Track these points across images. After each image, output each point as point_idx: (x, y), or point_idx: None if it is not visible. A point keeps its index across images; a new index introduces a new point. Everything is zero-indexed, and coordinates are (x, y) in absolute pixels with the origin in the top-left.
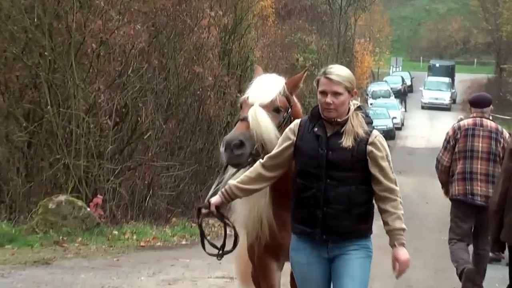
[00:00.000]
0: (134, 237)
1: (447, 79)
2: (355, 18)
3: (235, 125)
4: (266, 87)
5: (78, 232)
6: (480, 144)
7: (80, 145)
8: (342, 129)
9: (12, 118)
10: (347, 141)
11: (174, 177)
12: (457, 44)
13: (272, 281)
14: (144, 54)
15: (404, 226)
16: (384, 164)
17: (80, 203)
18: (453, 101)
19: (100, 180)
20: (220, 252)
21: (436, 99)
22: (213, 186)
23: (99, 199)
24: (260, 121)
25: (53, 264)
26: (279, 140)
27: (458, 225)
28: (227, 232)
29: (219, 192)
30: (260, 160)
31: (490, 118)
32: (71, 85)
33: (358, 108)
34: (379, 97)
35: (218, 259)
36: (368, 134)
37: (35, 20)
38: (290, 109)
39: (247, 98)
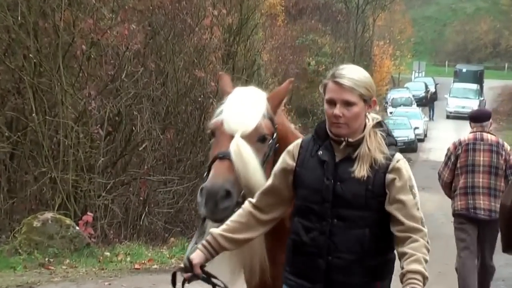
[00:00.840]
0: (128, 259)
1: (475, 86)
2: (373, 18)
3: (209, 162)
4: (246, 109)
5: (66, 253)
6: (482, 158)
7: (68, 157)
8: (356, 153)
9: None
10: (361, 170)
11: (172, 193)
12: (486, 47)
13: None
14: (140, 56)
15: (422, 269)
16: (407, 197)
17: (68, 221)
18: (483, 105)
19: (90, 196)
20: None
21: (463, 107)
22: (193, 240)
23: (89, 216)
24: (247, 161)
25: None
26: (274, 168)
27: (462, 239)
28: None
29: (200, 246)
30: (250, 199)
31: (491, 131)
32: (59, 90)
33: (378, 124)
34: (400, 105)
35: None
36: (390, 159)
37: (19, 18)
38: (275, 134)
39: (222, 123)
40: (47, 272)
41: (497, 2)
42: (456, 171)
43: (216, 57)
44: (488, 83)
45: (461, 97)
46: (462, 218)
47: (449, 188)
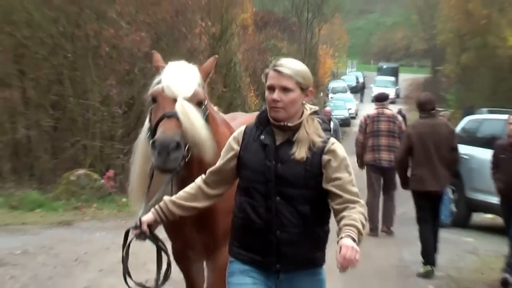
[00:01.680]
0: None
1: (392, 78)
2: (318, 28)
3: (154, 123)
4: (185, 77)
5: (93, 199)
6: (383, 126)
7: (95, 129)
8: (295, 137)
9: (42, 107)
10: (300, 152)
11: None
12: (400, 50)
13: (192, 275)
14: (148, 56)
15: (357, 224)
16: (343, 175)
17: (95, 176)
18: (397, 96)
19: (112, 157)
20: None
21: (383, 92)
22: (143, 204)
23: (111, 173)
24: (193, 118)
25: (74, 225)
26: (222, 152)
27: (371, 183)
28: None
29: (152, 209)
30: (203, 175)
31: (389, 108)
32: (89, 81)
33: (315, 113)
34: (338, 92)
35: None
36: (326, 142)
37: (61, 28)
38: (206, 101)
39: (163, 89)
40: (80, 213)
41: (408, 18)
42: (366, 135)
43: (203, 57)
44: (402, 76)
45: (382, 86)
46: (371, 167)
47: (363, 148)
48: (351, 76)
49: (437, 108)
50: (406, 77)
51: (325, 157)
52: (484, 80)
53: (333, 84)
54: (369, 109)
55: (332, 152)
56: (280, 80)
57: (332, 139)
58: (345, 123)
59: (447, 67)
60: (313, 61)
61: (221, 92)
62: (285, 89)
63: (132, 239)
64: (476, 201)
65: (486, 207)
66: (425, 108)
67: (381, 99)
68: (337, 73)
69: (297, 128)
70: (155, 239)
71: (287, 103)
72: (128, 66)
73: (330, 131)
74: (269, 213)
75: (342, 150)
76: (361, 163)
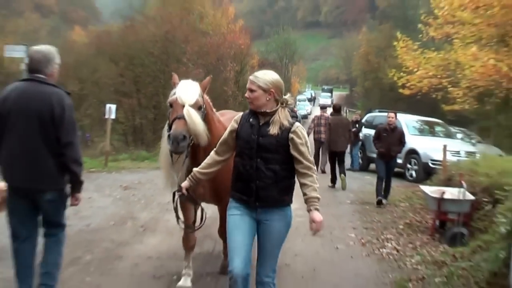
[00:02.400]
0: None
1: (329, 94)
2: (291, 67)
3: (171, 122)
4: (190, 90)
5: None
6: (323, 121)
7: None
8: (271, 120)
9: (148, 108)
10: (273, 129)
11: None
12: (333, 79)
13: (188, 214)
14: (202, 80)
15: (318, 195)
16: (303, 149)
17: None
18: (332, 102)
19: None
20: (194, 226)
21: (325, 102)
22: (175, 174)
23: None
24: (194, 119)
25: None
26: (227, 130)
27: (318, 151)
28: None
29: (187, 178)
30: (215, 148)
31: (327, 112)
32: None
33: (287, 104)
34: (301, 101)
35: (190, 231)
36: (291, 124)
37: (158, 67)
38: (204, 106)
39: (176, 99)
40: None
41: (338, 63)
42: (314, 125)
43: (232, 82)
44: (334, 93)
45: (324, 98)
46: (316, 141)
47: (311, 131)
48: (308, 93)
49: (351, 110)
50: (336, 94)
51: (291, 135)
52: (376, 95)
53: (298, 97)
54: (316, 111)
55: (296, 132)
56: (250, 84)
57: (297, 123)
58: (304, 117)
59: (357, 88)
60: (288, 85)
61: (240, 100)
62: (251, 90)
63: (177, 198)
64: (371, 157)
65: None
66: (336, 109)
67: (322, 107)
68: (300, 91)
69: (273, 114)
70: (191, 197)
71: (253, 99)
72: None
73: (296, 117)
74: (251, 169)
75: (303, 131)
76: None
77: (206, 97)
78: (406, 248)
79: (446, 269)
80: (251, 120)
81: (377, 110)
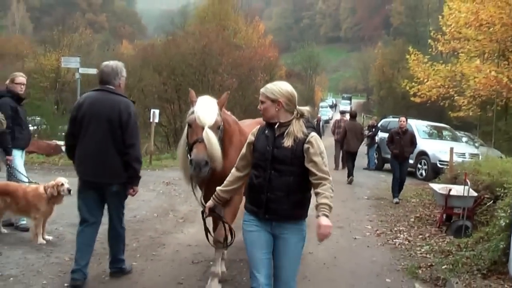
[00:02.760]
0: None
1: (348, 101)
2: (314, 78)
3: (191, 144)
4: (208, 110)
5: None
6: (342, 124)
7: None
8: (286, 131)
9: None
10: (287, 141)
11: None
12: (352, 88)
13: (220, 230)
14: (236, 89)
15: (328, 202)
16: (317, 159)
17: None
18: (351, 109)
19: None
20: (225, 243)
21: (345, 108)
22: (199, 194)
23: None
24: (213, 143)
25: None
26: (245, 144)
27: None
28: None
29: (211, 198)
30: (235, 164)
31: (346, 117)
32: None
33: (302, 115)
34: (323, 107)
35: (222, 248)
36: (306, 135)
37: (197, 76)
38: (222, 124)
39: (195, 119)
40: None
41: (356, 73)
42: (334, 128)
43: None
44: (353, 100)
45: (343, 105)
46: (336, 142)
47: (332, 132)
48: (329, 100)
49: (368, 115)
50: (355, 101)
51: (306, 146)
52: (390, 103)
53: (321, 104)
54: (337, 116)
55: (310, 142)
56: (260, 96)
57: (312, 134)
58: (326, 121)
59: (373, 96)
60: (312, 93)
61: None
62: (262, 102)
63: (205, 217)
64: (385, 158)
65: (389, 160)
66: (351, 116)
67: (342, 112)
68: (323, 99)
69: (288, 125)
70: (218, 216)
71: (263, 110)
72: (227, 93)
73: (313, 127)
74: (264, 180)
75: (318, 141)
76: (342, 147)
77: (226, 113)
78: (416, 239)
79: (451, 258)
80: (266, 132)
81: (391, 116)
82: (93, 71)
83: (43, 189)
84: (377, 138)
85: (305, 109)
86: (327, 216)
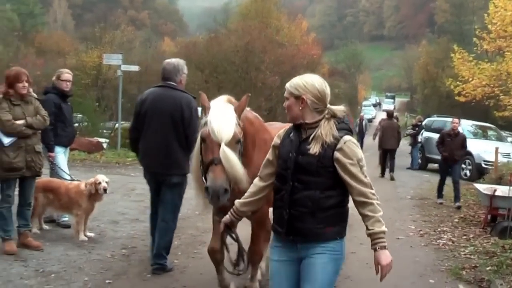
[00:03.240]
0: None
1: (392, 100)
2: (358, 76)
3: (206, 164)
4: (225, 122)
5: None
6: (373, 125)
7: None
8: (313, 135)
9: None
10: (314, 147)
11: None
12: (396, 87)
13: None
14: (278, 87)
15: (384, 228)
16: (354, 169)
17: None
18: (394, 109)
19: None
20: (236, 269)
21: (388, 107)
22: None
23: None
24: (233, 164)
25: None
26: (270, 148)
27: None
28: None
29: (229, 212)
30: (258, 173)
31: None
32: (252, 97)
33: (333, 115)
34: (367, 106)
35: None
36: (338, 139)
37: (239, 74)
38: (242, 133)
39: (209, 134)
40: None
41: (399, 72)
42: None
43: None
44: (396, 99)
45: (387, 104)
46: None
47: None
48: (373, 99)
49: (412, 115)
50: (398, 100)
51: (336, 154)
52: (434, 102)
53: (364, 102)
54: (381, 115)
55: (342, 150)
56: (285, 92)
57: (346, 138)
58: (370, 120)
59: (417, 95)
60: (355, 91)
61: None
62: (286, 98)
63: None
64: (429, 157)
65: (434, 160)
66: (388, 115)
67: (388, 114)
68: (366, 97)
69: (315, 127)
70: (234, 238)
71: (287, 109)
72: (268, 91)
73: (348, 130)
74: (286, 194)
75: (353, 146)
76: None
77: (249, 115)
78: (460, 240)
79: (496, 259)
80: (291, 135)
81: (435, 116)
82: (134, 68)
83: (84, 186)
84: (420, 138)
85: (338, 108)
86: (385, 248)
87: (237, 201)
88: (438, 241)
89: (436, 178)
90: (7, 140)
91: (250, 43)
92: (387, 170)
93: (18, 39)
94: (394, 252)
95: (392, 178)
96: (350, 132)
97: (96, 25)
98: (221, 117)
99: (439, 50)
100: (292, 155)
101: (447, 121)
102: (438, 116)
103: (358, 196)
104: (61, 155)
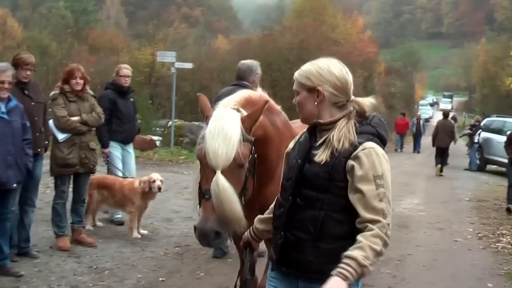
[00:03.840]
0: None
1: (450, 100)
2: (414, 74)
3: (199, 196)
4: (224, 140)
5: None
6: (430, 125)
7: None
8: (324, 138)
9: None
10: (321, 154)
11: None
12: (453, 86)
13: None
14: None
15: (359, 257)
16: (366, 187)
17: None
18: (452, 108)
19: None
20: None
21: (445, 107)
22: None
23: None
24: (226, 202)
25: None
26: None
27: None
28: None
29: (249, 230)
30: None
31: (449, 118)
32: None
33: (361, 113)
34: (424, 105)
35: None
36: (356, 147)
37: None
38: (253, 149)
39: (205, 156)
40: None
41: (457, 71)
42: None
43: (360, 87)
44: (454, 99)
45: (444, 103)
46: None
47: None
48: (430, 99)
49: (470, 114)
50: (456, 99)
51: (350, 163)
52: (493, 101)
53: (421, 102)
54: (438, 115)
55: (358, 158)
56: (294, 84)
57: (367, 144)
58: (427, 120)
59: (476, 95)
60: (411, 91)
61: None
62: (296, 92)
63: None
64: (488, 159)
65: (493, 162)
66: (444, 115)
67: (444, 114)
68: (423, 97)
69: (331, 128)
70: (250, 262)
71: (298, 105)
72: None
73: (375, 135)
74: (284, 212)
75: (373, 157)
76: (433, 142)
77: (272, 108)
78: None
79: None
80: (303, 137)
81: (494, 115)
82: (188, 65)
83: (139, 184)
84: (477, 138)
85: (366, 101)
86: (344, 278)
87: (257, 218)
88: (496, 244)
89: (494, 180)
90: (61, 136)
91: (305, 41)
92: (437, 167)
93: (72, 36)
94: (451, 255)
95: (440, 171)
96: (377, 137)
97: (149, 22)
98: (220, 133)
99: (499, 48)
100: (296, 163)
101: (507, 121)
102: (497, 116)
103: (361, 224)
104: (116, 151)
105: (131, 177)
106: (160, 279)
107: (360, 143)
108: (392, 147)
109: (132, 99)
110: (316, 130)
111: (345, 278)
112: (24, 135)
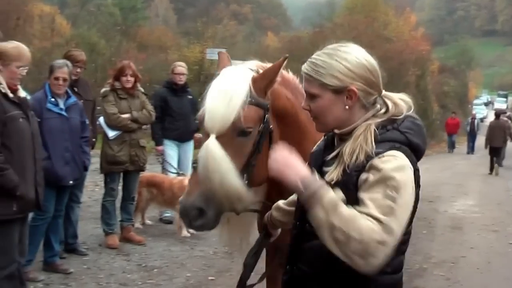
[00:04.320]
0: None
1: (505, 99)
2: (468, 73)
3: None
4: (224, 98)
5: None
6: (485, 125)
7: None
8: (337, 151)
9: None
10: (333, 171)
11: None
12: (508, 85)
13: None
14: (386, 84)
15: (328, 199)
16: (369, 195)
17: None
18: (507, 107)
19: None
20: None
21: (500, 106)
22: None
23: None
24: (216, 176)
25: None
26: None
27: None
28: None
29: (266, 215)
30: None
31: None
32: None
33: (394, 116)
34: (478, 105)
35: None
36: (371, 157)
37: None
38: (266, 117)
39: (203, 118)
40: None
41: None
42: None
43: (413, 86)
44: (509, 98)
45: (499, 103)
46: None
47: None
48: (484, 98)
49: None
50: (510, 99)
51: (363, 176)
52: None
53: (475, 101)
54: (492, 115)
55: (374, 167)
56: (305, 84)
57: (387, 153)
58: (481, 120)
59: None
60: (465, 90)
61: (420, 102)
62: (311, 96)
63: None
64: None
65: None
66: (496, 115)
67: (496, 114)
68: (477, 96)
69: (347, 139)
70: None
71: (317, 113)
72: None
73: (401, 142)
74: (293, 240)
75: (389, 160)
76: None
77: (289, 81)
78: None
79: None
80: (316, 147)
81: None
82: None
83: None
84: None
85: (399, 100)
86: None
87: (276, 204)
88: None
89: None
90: (112, 133)
91: (356, 38)
92: (496, 166)
93: (120, 34)
94: (506, 258)
95: (496, 171)
96: (408, 145)
97: (198, 19)
98: (220, 93)
99: None
100: None
101: None
102: None
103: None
104: (169, 149)
105: (183, 175)
106: (210, 278)
107: (378, 154)
108: (445, 147)
109: (190, 97)
110: (334, 138)
111: (302, 179)
112: (82, 132)
